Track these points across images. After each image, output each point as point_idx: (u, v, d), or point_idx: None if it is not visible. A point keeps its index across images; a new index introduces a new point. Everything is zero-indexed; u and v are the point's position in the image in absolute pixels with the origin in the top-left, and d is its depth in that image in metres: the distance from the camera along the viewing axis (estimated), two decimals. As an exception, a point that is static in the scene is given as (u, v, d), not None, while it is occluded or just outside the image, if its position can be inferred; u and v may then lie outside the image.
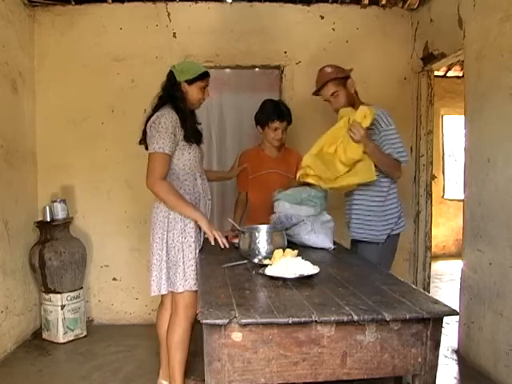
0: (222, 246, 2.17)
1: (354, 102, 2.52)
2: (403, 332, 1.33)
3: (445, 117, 6.47)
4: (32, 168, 3.62)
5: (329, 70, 2.55)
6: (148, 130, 2.24)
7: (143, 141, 2.32)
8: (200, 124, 2.43)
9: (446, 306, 1.38)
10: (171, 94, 2.27)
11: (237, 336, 1.29)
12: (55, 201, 3.43)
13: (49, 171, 3.67)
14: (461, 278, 3.05)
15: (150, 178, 2.16)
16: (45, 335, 3.40)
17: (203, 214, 2.25)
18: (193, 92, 2.31)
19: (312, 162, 2.37)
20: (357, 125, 2.26)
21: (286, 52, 3.72)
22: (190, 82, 2.29)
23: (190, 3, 3.68)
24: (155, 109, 2.28)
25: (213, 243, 2.19)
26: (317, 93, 2.59)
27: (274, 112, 2.86)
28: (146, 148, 2.27)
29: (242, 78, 3.84)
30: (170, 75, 2.32)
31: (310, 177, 2.40)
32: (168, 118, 2.17)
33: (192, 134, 2.28)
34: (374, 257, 2.35)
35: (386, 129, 2.38)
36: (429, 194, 3.81)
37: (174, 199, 2.17)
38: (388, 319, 1.29)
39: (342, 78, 2.51)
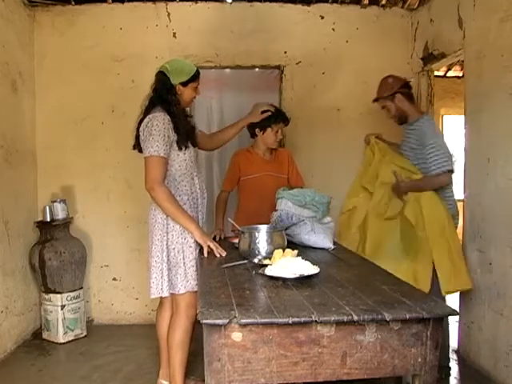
0: (218, 256, 2.11)
1: (405, 115, 2.77)
2: (403, 332, 1.33)
3: (445, 117, 6.47)
4: (32, 168, 3.62)
5: (381, 86, 2.85)
6: (141, 134, 2.21)
7: (136, 145, 2.29)
8: (191, 117, 2.42)
9: (446, 305, 1.39)
10: (164, 98, 2.23)
11: (237, 336, 1.28)
12: (55, 201, 3.43)
13: (49, 171, 3.68)
14: (461, 278, 3.05)
15: (148, 183, 2.14)
16: (45, 335, 3.40)
17: (198, 226, 2.21)
18: (187, 93, 2.31)
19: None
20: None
21: (285, 52, 3.72)
22: (185, 83, 2.28)
23: (190, 3, 3.68)
24: (146, 111, 2.24)
25: (205, 255, 2.13)
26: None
27: (277, 114, 2.83)
28: (140, 151, 2.25)
29: (241, 77, 3.84)
30: (163, 77, 2.27)
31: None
32: (160, 121, 2.15)
33: (185, 138, 2.25)
34: None
35: (432, 143, 2.58)
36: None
37: (171, 207, 2.14)
38: (388, 319, 1.29)
39: (387, 96, 2.77)
